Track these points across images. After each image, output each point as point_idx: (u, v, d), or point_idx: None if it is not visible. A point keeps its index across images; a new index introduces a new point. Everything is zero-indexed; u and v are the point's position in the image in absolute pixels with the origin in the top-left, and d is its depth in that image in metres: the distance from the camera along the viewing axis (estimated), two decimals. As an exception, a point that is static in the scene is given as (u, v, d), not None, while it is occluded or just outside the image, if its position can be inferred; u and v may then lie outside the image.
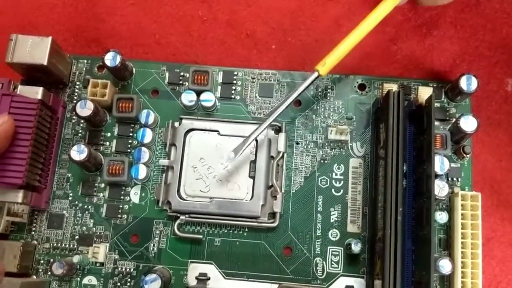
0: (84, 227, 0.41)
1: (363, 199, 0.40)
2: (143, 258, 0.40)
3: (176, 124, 0.41)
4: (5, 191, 0.37)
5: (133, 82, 0.43)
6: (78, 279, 0.40)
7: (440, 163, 0.38)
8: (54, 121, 0.41)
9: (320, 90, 0.43)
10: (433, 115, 0.37)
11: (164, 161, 0.40)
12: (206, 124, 0.41)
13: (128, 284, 0.39)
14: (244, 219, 0.39)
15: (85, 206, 0.41)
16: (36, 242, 0.40)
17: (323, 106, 0.42)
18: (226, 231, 0.40)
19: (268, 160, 0.40)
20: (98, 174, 0.41)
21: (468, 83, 0.39)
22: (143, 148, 0.41)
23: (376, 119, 0.41)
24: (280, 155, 0.40)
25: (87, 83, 0.42)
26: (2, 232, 0.39)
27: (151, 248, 0.40)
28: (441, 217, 0.38)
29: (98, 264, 0.40)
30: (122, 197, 0.41)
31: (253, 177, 0.40)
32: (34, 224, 0.41)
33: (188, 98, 0.41)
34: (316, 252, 0.40)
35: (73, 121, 0.42)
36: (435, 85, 0.42)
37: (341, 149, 0.41)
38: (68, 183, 0.41)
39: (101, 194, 0.41)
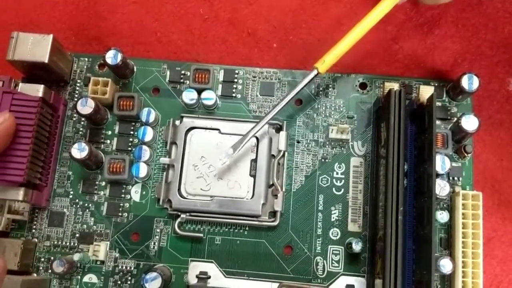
0: (85, 225, 0.41)
1: (364, 198, 0.40)
2: (143, 257, 0.40)
3: (177, 122, 0.41)
4: (6, 188, 0.37)
5: (134, 80, 0.43)
6: (79, 277, 0.40)
7: (441, 163, 0.38)
8: (55, 119, 0.41)
9: (321, 88, 0.43)
10: (435, 114, 0.36)
11: (165, 160, 0.40)
12: (207, 122, 0.41)
13: (129, 282, 0.39)
14: (244, 217, 0.39)
15: (86, 204, 0.41)
16: (36, 240, 0.40)
17: (324, 104, 0.42)
18: (226, 229, 0.40)
19: (269, 159, 0.40)
20: (99, 172, 0.41)
21: (470, 82, 0.39)
22: (144, 147, 0.41)
23: (377, 118, 0.41)
24: (281, 153, 0.40)
25: (88, 81, 0.42)
26: (2, 230, 0.39)
27: (152, 247, 0.40)
28: (442, 216, 0.38)
29: (98, 262, 0.40)
30: (122, 195, 0.41)
31: (254, 176, 0.40)
32: (35, 222, 0.41)
33: (189, 96, 0.41)
34: (317, 251, 0.40)
35: (74, 119, 0.42)
36: (436, 84, 0.42)
37: (342, 148, 0.41)
38: (68, 181, 0.41)
39: (102, 192, 0.41)
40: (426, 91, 0.41)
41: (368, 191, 0.40)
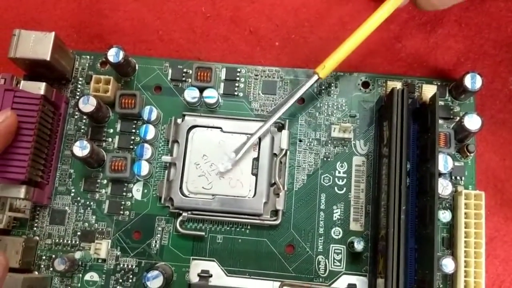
0: (86, 223, 0.40)
1: (366, 197, 0.40)
2: (145, 255, 0.40)
3: (179, 120, 0.41)
4: (7, 186, 0.37)
5: (136, 78, 0.43)
6: (80, 275, 0.40)
7: (444, 162, 0.38)
8: (56, 117, 0.41)
9: (323, 87, 0.42)
10: (437, 114, 0.36)
11: (166, 158, 0.40)
12: (209, 121, 0.41)
13: (130, 280, 0.39)
14: (246, 216, 0.39)
15: (87, 202, 0.41)
16: (38, 238, 0.40)
17: (326, 103, 0.42)
18: (228, 228, 0.40)
19: (271, 158, 0.40)
20: (101, 170, 0.41)
21: (473, 81, 0.39)
22: (146, 145, 0.41)
23: (380, 117, 0.41)
24: (283, 152, 0.40)
25: (90, 79, 0.41)
26: (4, 227, 0.39)
27: (153, 245, 0.40)
28: (444, 216, 0.38)
29: (100, 261, 0.40)
30: (124, 194, 0.41)
31: (255, 175, 0.40)
32: (36, 220, 0.41)
33: (191, 94, 0.41)
34: (319, 250, 0.39)
35: (76, 117, 0.42)
36: (439, 83, 0.42)
37: (344, 147, 0.41)
38: (70, 179, 0.41)
39: (103, 191, 0.41)
40: (428, 90, 0.40)
41: (370, 190, 0.40)
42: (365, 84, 0.42)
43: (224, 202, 0.39)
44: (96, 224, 0.40)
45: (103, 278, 0.39)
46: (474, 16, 0.44)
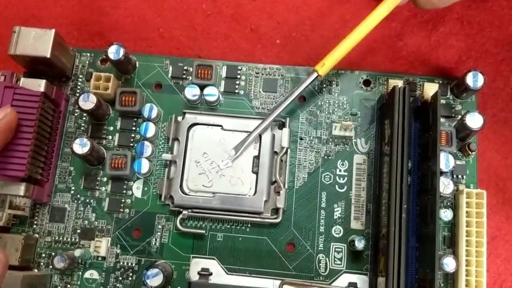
0: (86, 221, 0.40)
1: (367, 195, 0.40)
2: (145, 253, 0.40)
3: (179, 118, 0.41)
4: (7, 183, 0.37)
5: (136, 76, 0.43)
6: (80, 273, 0.39)
7: (445, 160, 0.38)
8: (56, 114, 0.41)
9: (324, 85, 0.42)
10: (439, 112, 0.36)
11: (167, 156, 0.40)
12: (209, 118, 0.41)
13: (130, 278, 0.39)
14: (247, 214, 0.39)
15: (87, 200, 0.41)
16: (37, 236, 0.40)
17: (327, 101, 0.42)
18: (228, 226, 0.40)
19: (271, 156, 0.40)
20: (101, 168, 0.41)
21: (475, 80, 0.39)
22: (146, 142, 0.41)
23: (381, 115, 0.41)
24: (284, 150, 0.40)
25: (90, 76, 0.41)
26: (4, 225, 0.39)
27: (153, 243, 0.40)
28: (445, 214, 0.38)
29: (99, 258, 0.40)
30: (124, 191, 0.41)
31: (256, 173, 0.40)
32: (36, 218, 0.40)
33: (191, 92, 0.41)
34: (319, 248, 0.39)
35: (76, 114, 0.42)
36: (440, 82, 0.42)
37: (345, 145, 0.41)
38: (70, 177, 0.41)
39: (103, 188, 0.41)
40: (430, 89, 0.40)
41: (371, 189, 0.40)
42: (367, 82, 0.42)
43: (224, 200, 0.39)
44: (96, 222, 0.40)
45: (103, 276, 0.39)
46: (476, 14, 0.44)
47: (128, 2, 0.46)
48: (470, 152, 0.40)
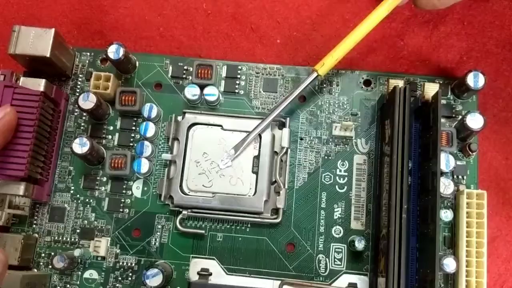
0: (86, 221, 0.40)
1: (367, 196, 0.40)
2: (144, 253, 0.40)
3: (179, 118, 0.41)
4: (7, 183, 0.37)
5: (136, 75, 0.43)
6: (79, 273, 0.39)
7: (446, 161, 0.38)
8: (56, 114, 0.41)
9: (325, 85, 0.42)
10: (440, 112, 0.36)
11: (167, 156, 0.40)
12: (209, 118, 0.41)
13: (130, 278, 0.39)
14: (247, 214, 0.39)
15: (87, 200, 0.41)
16: (37, 235, 0.40)
17: (327, 101, 0.42)
18: (228, 226, 0.40)
19: (271, 156, 0.40)
20: (100, 168, 0.41)
21: (476, 80, 0.39)
22: (146, 142, 0.41)
23: (382, 115, 0.41)
24: (284, 150, 0.40)
25: (90, 76, 0.41)
26: (3, 224, 0.39)
27: (153, 243, 0.40)
28: (446, 215, 0.38)
29: (99, 258, 0.40)
30: (124, 191, 0.41)
31: (256, 173, 0.39)
32: (36, 217, 0.40)
33: (191, 92, 0.41)
34: (319, 248, 0.39)
35: (76, 114, 0.42)
36: (441, 82, 0.42)
37: (346, 145, 0.41)
38: (70, 176, 0.41)
39: (103, 188, 0.41)
40: (431, 89, 0.40)
41: (372, 189, 0.40)
42: (367, 82, 0.42)
43: (224, 200, 0.39)
44: (96, 222, 0.40)
45: (103, 275, 0.39)
46: (477, 14, 0.44)
47: (128, 2, 0.45)
48: (470, 153, 0.40)
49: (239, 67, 0.43)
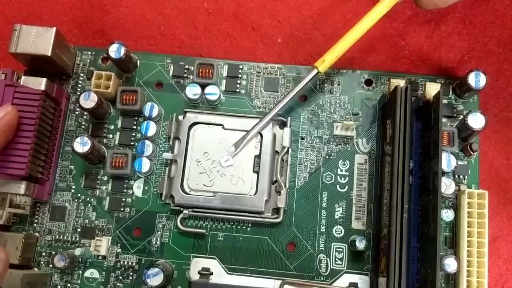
0: (87, 220, 0.40)
1: (368, 195, 0.40)
2: (145, 252, 0.40)
3: (180, 117, 0.41)
4: (7, 182, 0.37)
5: (137, 75, 0.43)
6: (80, 272, 0.39)
7: (447, 161, 0.38)
8: (57, 113, 0.41)
9: (326, 85, 0.42)
10: (441, 112, 0.36)
11: (167, 155, 0.40)
12: (210, 117, 0.41)
13: (130, 277, 0.39)
14: (247, 214, 0.39)
15: (88, 199, 0.41)
16: (38, 234, 0.40)
17: (329, 101, 0.42)
18: (229, 226, 0.40)
19: (272, 155, 0.40)
20: (101, 167, 0.41)
21: (477, 79, 0.39)
22: (147, 141, 0.40)
23: (383, 115, 0.41)
24: (285, 150, 0.40)
25: (91, 75, 0.41)
26: (4, 223, 0.39)
27: (154, 242, 0.40)
28: (447, 215, 0.38)
29: (100, 257, 0.40)
30: (125, 190, 0.41)
31: (257, 172, 0.39)
32: (36, 216, 0.40)
33: (192, 91, 0.41)
34: (320, 248, 0.39)
35: (77, 113, 0.42)
36: (442, 82, 0.42)
37: (347, 145, 0.41)
38: (71, 175, 0.41)
39: (104, 187, 0.41)
40: (432, 88, 0.40)
41: (373, 189, 0.40)
42: (368, 82, 0.42)
43: (225, 200, 0.39)
44: (97, 221, 0.40)
45: (103, 275, 0.39)
46: (478, 13, 0.44)
47: (129, 1, 0.45)
48: (472, 152, 0.40)
49: (240, 67, 0.43)
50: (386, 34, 0.44)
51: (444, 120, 0.40)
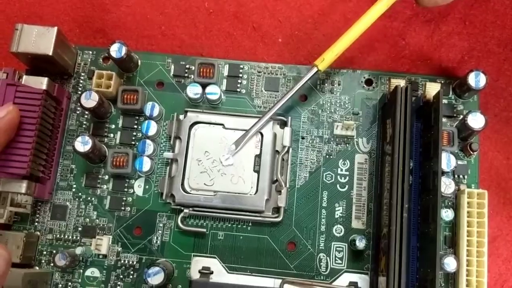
0: (88, 219, 0.40)
1: (368, 195, 0.40)
2: (146, 251, 0.40)
3: (181, 117, 0.41)
4: (9, 181, 0.37)
5: (138, 74, 0.43)
6: (81, 271, 0.39)
7: (447, 160, 0.38)
8: (58, 112, 0.41)
9: (326, 84, 0.42)
10: (441, 112, 0.36)
11: (168, 154, 0.40)
12: (211, 117, 0.41)
13: (131, 276, 0.39)
14: (248, 213, 0.39)
15: (89, 198, 0.41)
16: (39, 233, 0.40)
17: (329, 101, 0.42)
18: (230, 225, 0.40)
19: (273, 155, 0.40)
20: (102, 166, 0.41)
21: (477, 79, 0.39)
22: (148, 141, 0.41)
23: (383, 114, 0.41)
24: (286, 149, 0.40)
25: (92, 74, 0.41)
26: (5, 222, 0.39)
27: (155, 241, 0.40)
28: (446, 214, 0.38)
29: (101, 256, 0.40)
30: (125, 190, 0.41)
31: (257, 171, 0.40)
32: (38, 215, 0.40)
33: (193, 91, 0.41)
34: (320, 247, 0.39)
35: (78, 112, 0.42)
36: (443, 81, 0.42)
37: (347, 145, 0.41)
38: (72, 175, 0.41)
39: (105, 186, 0.41)
40: (432, 88, 0.40)
41: (373, 188, 0.40)
42: (368, 82, 0.42)
43: (225, 199, 0.39)
44: (97, 220, 0.40)
45: (104, 274, 0.39)
46: (478, 13, 0.44)
47: (130, 0, 0.46)
48: (471, 152, 0.40)
49: (241, 66, 0.43)
50: (386, 34, 0.44)
51: (444, 120, 0.40)
